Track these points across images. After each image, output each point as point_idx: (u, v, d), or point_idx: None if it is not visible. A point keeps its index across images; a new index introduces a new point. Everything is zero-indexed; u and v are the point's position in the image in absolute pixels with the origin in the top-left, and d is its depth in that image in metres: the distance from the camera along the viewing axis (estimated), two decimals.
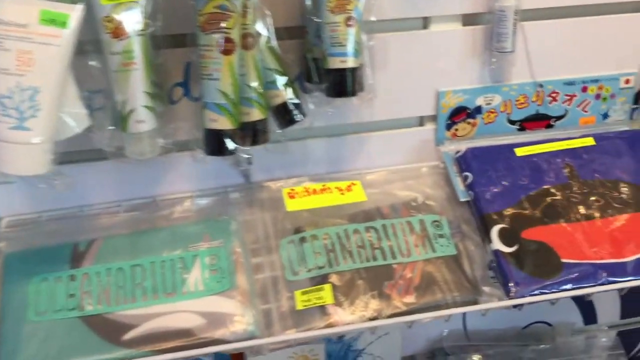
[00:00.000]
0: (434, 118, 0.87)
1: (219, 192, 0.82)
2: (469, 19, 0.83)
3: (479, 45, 0.84)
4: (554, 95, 0.89)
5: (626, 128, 0.91)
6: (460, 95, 0.86)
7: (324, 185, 0.82)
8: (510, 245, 0.76)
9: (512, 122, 0.90)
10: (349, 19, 0.69)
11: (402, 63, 0.83)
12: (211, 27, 0.66)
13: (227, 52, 0.67)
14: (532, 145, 0.85)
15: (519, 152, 0.84)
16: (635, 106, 0.93)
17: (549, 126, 0.91)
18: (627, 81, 0.91)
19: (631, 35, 0.89)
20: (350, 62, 0.70)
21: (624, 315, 1.10)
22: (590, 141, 0.86)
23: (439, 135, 0.88)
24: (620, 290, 0.76)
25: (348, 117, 0.83)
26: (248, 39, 0.69)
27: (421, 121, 0.89)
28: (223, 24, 0.66)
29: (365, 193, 0.82)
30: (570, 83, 0.89)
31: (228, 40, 0.66)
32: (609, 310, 1.09)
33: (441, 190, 0.83)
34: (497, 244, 0.76)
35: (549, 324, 1.08)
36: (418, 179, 0.84)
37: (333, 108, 0.77)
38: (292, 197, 0.81)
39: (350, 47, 0.70)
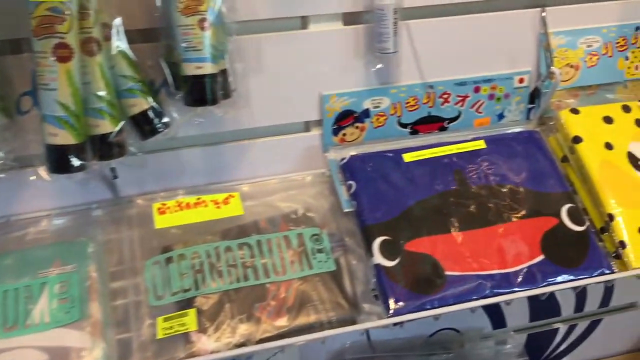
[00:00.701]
0: (319, 123, 0.83)
1: (81, 210, 0.75)
2: (350, 18, 0.78)
3: (362, 46, 0.79)
4: (445, 96, 0.86)
5: (523, 128, 0.87)
6: (345, 99, 0.81)
7: (198, 199, 0.77)
8: (391, 259, 0.72)
9: (404, 126, 0.86)
10: (202, 21, 0.63)
11: (281, 66, 0.77)
12: (44, 32, 0.59)
13: (63, 59, 0.60)
14: (421, 150, 0.81)
15: (407, 157, 0.80)
16: (531, 105, 0.90)
17: (443, 129, 0.88)
18: (521, 80, 0.88)
19: (523, 33, 0.85)
20: (207, 68, 0.64)
21: (533, 318, 1.09)
22: (481, 144, 0.83)
23: (325, 141, 0.83)
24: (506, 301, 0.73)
25: (224, 125, 0.77)
26: (90, 44, 0.62)
27: (307, 126, 0.84)
28: (57, 29, 0.59)
29: (244, 206, 0.76)
30: (461, 83, 0.86)
31: (63, 45, 0.59)
32: (517, 314, 1.07)
33: (325, 201, 0.79)
34: (378, 258, 0.72)
35: (457, 331, 1.05)
36: (302, 189, 0.79)
37: (201, 117, 0.71)
38: (162, 212, 0.75)
39: (206, 52, 0.64)
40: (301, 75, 0.79)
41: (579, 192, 0.82)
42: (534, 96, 0.89)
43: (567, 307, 1.09)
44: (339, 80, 0.80)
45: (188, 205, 0.75)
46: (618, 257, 0.77)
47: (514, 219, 0.76)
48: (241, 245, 0.72)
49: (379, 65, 0.79)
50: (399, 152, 0.80)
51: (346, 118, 0.82)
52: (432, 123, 0.87)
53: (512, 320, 1.07)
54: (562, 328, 1.10)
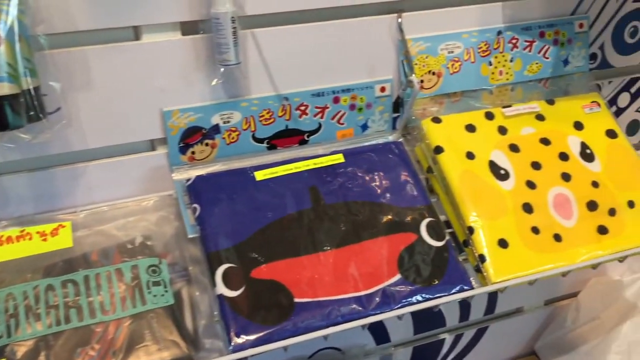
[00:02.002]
0: (164, 141, 0.77)
1: None
2: (189, 28, 0.72)
3: (204, 57, 0.73)
4: (302, 108, 0.81)
5: (388, 139, 0.84)
6: (190, 114, 0.75)
7: (22, 231, 0.68)
8: (235, 288, 0.66)
9: (259, 141, 0.80)
10: None
11: (114, 81, 0.70)
12: None
13: None
14: (274, 167, 0.76)
15: (259, 175, 0.75)
16: (396, 115, 0.87)
17: (304, 142, 0.83)
18: (383, 89, 0.85)
19: (380, 40, 0.82)
20: (4, 89, 0.58)
21: (417, 330, 1.06)
22: (339, 158, 0.78)
23: (172, 161, 0.76)
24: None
25: (51, 148, 0.70)
26: None
27: (153, 145, 0.77)
28: None
29: (75, 236, 0.69)
30: (319, 94, 0.81)
31: None
32: (401, 328, 1.04)
33: (170, 226, 0.72)
34: (221, 288, 0.66)
35: (339, 349, 1.01)
36: (144, 214, 0.72)
37: (12, 142, 0.64)
38: None
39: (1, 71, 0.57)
40: (138, 90, 0.72)
41: (444, 204, 0.80)
42: (398, 105, 0.86)
43: (451, 317, 1.07)
44: (182, 94, 0.74)
45: (9, 239, 0.67)
46: (479, 271, 0.75)
47: (372, 237, 0.72)
48: (65, 283, 0.64)
49: (221, 79, 0.73)
50: (250, 170, 0.75)
51: (193, 135, 0.76)
52: (291, 137, 0.82)
53: (395, 334, 1.04)
54: (449, 338, 1.08)
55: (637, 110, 1.05)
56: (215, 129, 0.77)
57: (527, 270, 0.74)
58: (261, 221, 0.71)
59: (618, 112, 1.03)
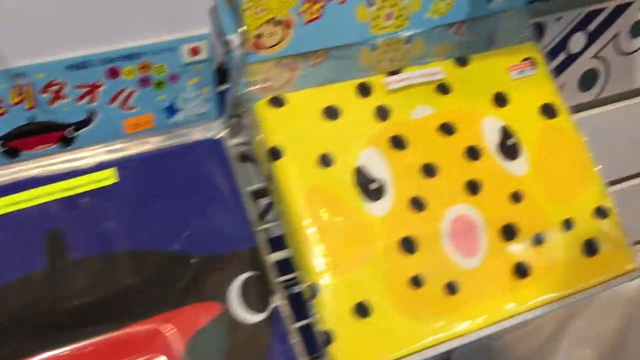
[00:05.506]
0: None
1: None
2: None
3: None
4: (55, 89, 0.51)
5: (209, 128, 0.56)
6: None
7: None
8: None
9: None
10: None
11: None
12: None
13: None
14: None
15: None
16: (223, 87, 0.58)
17: (67, 140, 0.55)
18: (195, 51, 0.54)
19: None
20: None
21: None
22: (108, 177, 0.49)
23: None
24: None
25: None
26: None
27: None
28: None
29: None
30: (79, 66, 0.50)
31: None
32: None
33: None
34: None
35: None
36: None
37: None
38: None
39: None
40: None
41: (288, 241, 0.53)
42: (222, 73, 0.57)
43: None
44: None
45: None
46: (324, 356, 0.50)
47: (146, 317, 0.46)
48: None
49: None
50: None
51: None
52: (43, 133, 0.52)
53: None
54: None
55: (595, 56, 0.77)
56: None
57: (397, 351, 0.49)
58: None
59: (568, 61, 0.74)
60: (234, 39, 0.49)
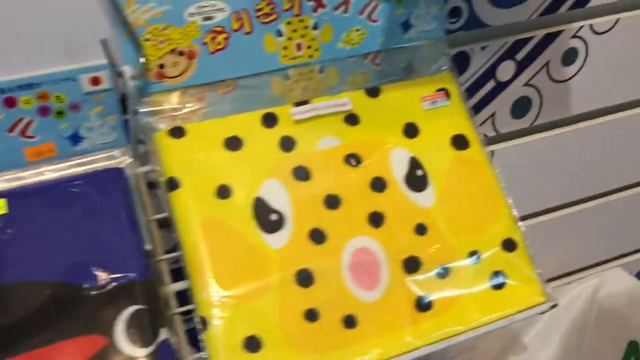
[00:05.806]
0: None
1: None
2: None
3: None
4: None
5: (116, 156, 0.56)
6: None
7: None
8: None
9: None
10: None
11: None
12: None
13: None
14: None
15: None
16: (127, 117, 0.58)
17: None
18: (96, 81, 0.54)
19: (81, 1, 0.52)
20: None
21: None
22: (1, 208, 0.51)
23: None
24: None
25: None
26: None
27: None
28: None
29: None
30: None
31: None
32: None
33: None
34: None
35: None
36: None
37: None
38: None
39: None
40: None
41: (186, 272, 0.52)
42: (126, 103, 0.57)
43: None
44: None
45: None
46: None
47: (28, 350, 0.45)
48: None
49: None
50: None
51: None
52: None
53: None
54: None
55: (527, 84, 0.77)
56: None
57: None
58: None
59: (498, 89, 0.75)
60: (127, 70, 0.49)
